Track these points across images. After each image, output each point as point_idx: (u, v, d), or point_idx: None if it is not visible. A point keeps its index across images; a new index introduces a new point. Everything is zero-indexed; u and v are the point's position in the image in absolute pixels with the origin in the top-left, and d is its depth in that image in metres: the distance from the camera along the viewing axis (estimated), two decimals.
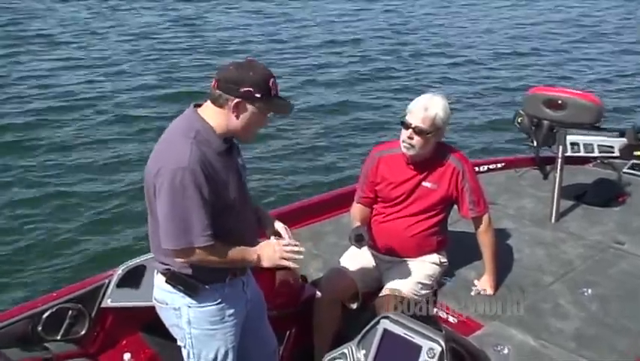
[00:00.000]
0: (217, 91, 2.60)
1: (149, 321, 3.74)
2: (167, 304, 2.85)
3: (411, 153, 3.54)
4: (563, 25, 16.49)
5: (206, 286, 2.76)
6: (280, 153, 8.64)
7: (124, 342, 3.71)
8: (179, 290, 2.76)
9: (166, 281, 2.78)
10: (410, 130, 3.48)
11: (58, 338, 3.46)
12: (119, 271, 3.58)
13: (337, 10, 17.05)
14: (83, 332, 3.53)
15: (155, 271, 2.90)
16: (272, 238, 2.91)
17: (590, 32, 15.89)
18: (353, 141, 9.15)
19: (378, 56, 13.19)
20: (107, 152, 8.43)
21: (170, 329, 2.96)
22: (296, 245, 2.84)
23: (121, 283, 3.56)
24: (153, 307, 3.50)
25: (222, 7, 16.82)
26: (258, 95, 2.58)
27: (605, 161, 5.59)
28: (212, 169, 2.59)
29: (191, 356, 2.89)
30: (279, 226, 3.01)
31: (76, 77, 11.09)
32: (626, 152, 5.59)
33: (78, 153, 8.37)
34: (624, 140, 5.61)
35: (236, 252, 2.73)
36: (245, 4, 17.18)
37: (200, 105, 2.71)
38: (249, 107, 2.60)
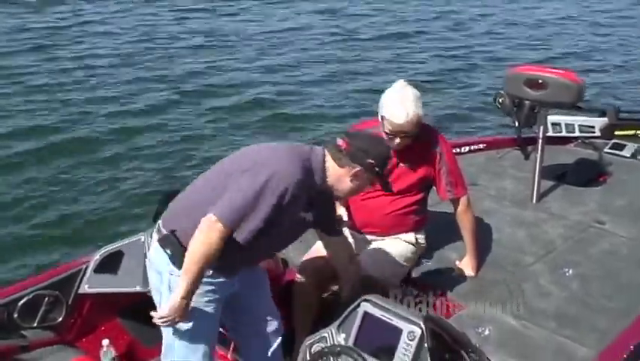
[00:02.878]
0: (344, 153, 2.76)
1: (127, 307, 3.73)
2: (153, 265, 2.85)
3: (396, 148, 3.48)
4: (542, 3, 16.43)
5: None
6: (257, 132, 8.59)
7: (102, 328, 3.68)
8: (166, 253, 2.73)
9: (158, 240, 2.77)
10: (396, 138, 3.44)
11: (35, 325, 3.43)
12: (97, 256, 3.54)
13: None
14: (59, 319, 3.50)
15: (156, 227, 2.87)
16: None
17: (570, 10, 15.84)
18: (330, 120, 9.10)
19: (359, 35, 13.09)
20: (83, 138, 8.28)
21: (152, 292, 2.93)
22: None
23: (98, 269, 3.52)
24: (132, 293, 3.48)
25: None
26: (377, 170, 2.81)
27: (587, 141, 5.62)
28: (299, 198, 2.67)
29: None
30: None
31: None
32: (607, 132, 5.63)
33: (53, 137, 8.22)
34: (605, 120, 5.66)
35: (197, 270, 2.64)
36: None
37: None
38: (365, 176, 2.80)
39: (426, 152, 3.59)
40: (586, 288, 3.64)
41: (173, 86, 10.13)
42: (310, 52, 12.02)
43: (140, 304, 3.61)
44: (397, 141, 3.46)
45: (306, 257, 3.68)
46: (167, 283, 2.77)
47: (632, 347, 2.99)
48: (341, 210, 3.55)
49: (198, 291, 2.73)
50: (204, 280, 2.72)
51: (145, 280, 3.43)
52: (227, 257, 2.67)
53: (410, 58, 11.93)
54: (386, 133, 3.47)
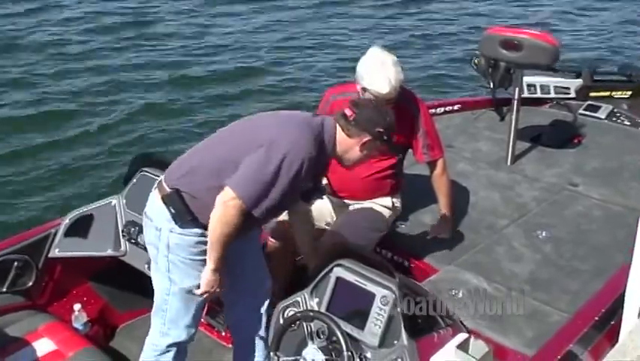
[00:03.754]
0: (353, 122, 2.78)
1: (99, 271, 3.69)
2: (152, 220, 2.81)
3: None
4: None
5: (194, 220, 2.71)
6: (231, 98, 8.48)
7: (73, 292, 3.66)
8: (168, 212, 2.71)
9: (161, 197, 2.74)
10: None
11: (4, 289, 3.40)
12: (67, 220, 3.50)
13: None
14: (29, 284, 3.46)
15: (156, 185, 2.84)
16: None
17: None
18: (306, 82, 9.00)
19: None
20: (54, 103, 8.10)
21: (148, 247, 2.91)
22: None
23: (69, 233, 3.48)
24: (103, 257, 3.45)
25: None
26: (385, 138, 2.84)
27: (562, 102, 5.61)
28: (307, 172, 2.66)
29: (166, 279, 2.82)
30: None
31: None
32: (582, 93, 5.62)
33: (24, 100, 8.07)
34: (580, 81, 5.65)
35: (222, 245, 2.67)
36: None
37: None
38: (373, 145, 2.84)
39: (403, 114, 3.53)
40: (558, 251, 3.66)
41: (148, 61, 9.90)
42: (279, 21, 11.77)
43: (112, 268, 3.59)
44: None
45: (277, 221, 3.65)
46: (165, 240, 2.75)
47: (602, 310, 3.01)
48: None
49: (195, 250, 2.74)
50: (202, 239, 2.72)
51: (117, 244, 3.40)
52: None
53: (385, 22, 11.72)
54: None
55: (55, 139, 7.12)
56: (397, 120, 3.49)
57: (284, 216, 3.42)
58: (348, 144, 2.82)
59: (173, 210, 2.71)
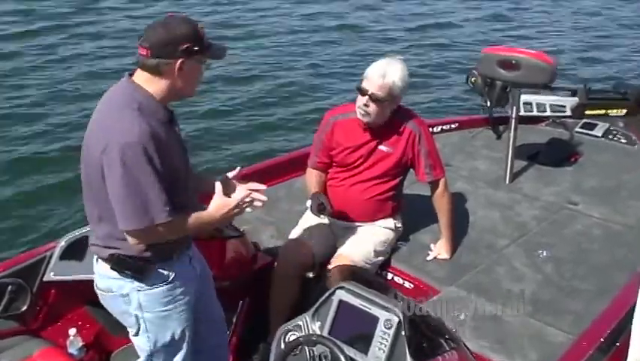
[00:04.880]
0: (152, 60, 2.44)
1: (95, 294, 3.62)
2: (112, 291, 2.69)
3: (366, 119, 3.45)
4: None
5: (155, 267, 2.62)
6: (228, 117, 8.36)
7: (68, 317, 3.58)
8: (127, 275, 2.60)
9: (111, 268, 2.62)
10: (366, 97, 3.38)
11: None
12: (62, 243, 3.43)
13: None
14: (24, 308, 3.38)
15: (95, 258, 2.72)
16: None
17: None
18: (305, 103, 8.89)
19: (330, 18, 12.79)
20: (46, 121, 7.99)
21: (119, 318, 2.81)
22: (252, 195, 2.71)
23: (64, 256, 3.41)
24: None
25: None
26: (197, 48, 2.47)
27: (558, 120, 5.61)
28: (161, 141, 2.44)
29: (146, 341, 2.74)
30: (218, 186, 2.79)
31: None
32: (578, 111, 5.62)
33: (14, 123, 7.93)
34: (576, 99, 5.65)
35: (193, 221, 2.58)
36: None
37: (132, 74, 2.54)
38: (192, 62, 2.49)
39: (404, 134, 3.54)
40: (560, 270, 3.63)
41: None
42: (286, 37, 11.75)
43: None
44: (370, 108, 3.41)
45: (283, 245, 3.62)
46: (136, 302, 2.66)
47: (607, 331, 2.98)
48: (322, 198, 3.49)
49: (166, 299, 2.66)
50: (170, 286, 2.65)
51: None
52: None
53: (380, 38, 11.76)
54: (359, 94, 3.43)
55: (51, 160, 7.03)
56: (398, 139, 3.53)
57: (293, 237, 3.39)
58: (168, 83, 2.48)
59: (129, 272, 2.60)
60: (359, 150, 3.58)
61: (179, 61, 2.45)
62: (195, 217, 2.60)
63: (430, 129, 4.92)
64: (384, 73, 3.38)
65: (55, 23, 11.31)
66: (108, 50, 10.25)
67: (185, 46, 2.44)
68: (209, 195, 2.71)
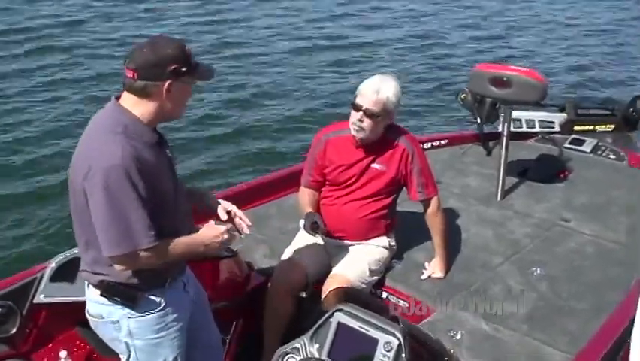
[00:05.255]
0: (140, 82, 2.40)
1: (86, 317, 3.56)
2: (103, 318, 2.64)
3: (360, 135, 3.44)
4: (505, 5, 16.44)
5: (146, 294, 2.57)
6: (219, 134, 8.32)
7: (59, 339, 3.51)
8: (116, 302, 2.56)
9: (101, 294, 2.57)
10: (360, 112, 3.38)
11: None
12: (52, 264, 3.38)
13: None
14: (13, 331, 3.32)
15: (86, 283, 2.68)
16: (212, 221, 2.72)
17: (533, 13, 15.83)
18: (296, 120, 8.87)
19: (321, 36, 12.78)
20: (38, 143, 7.89)
21: (110, 344, 2.76)
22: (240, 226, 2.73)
23: (54, 278, 3.36)
24: None
25: None
26: (184, 70, 2.43)
27: (547, 136, 5.64)
28: (146, 164, 2.40)
29: None
30: (225, 205, 2.83)
31: None
32: (567, 127, 5.67)
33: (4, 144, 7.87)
34: (564, 115, 5.70)
35: (180, 247, 2.54)
36: None
37: (119, 97, 2.50)
38: (179, 84, 2.45)
39: (397, 151, 3.54)
40: (554, 289, 3.62)
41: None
42: (278, 53, 11.72)
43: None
44: (364, 124, 3.40)
45: (277, 266, 3.59)
46: (126, 329, 2.62)
47: (604, 351, 2.97)
48: (316, 217, 3.47)
49: (158, 326, 2.62)
50: (161, 313, 2.61)
51: None
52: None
53: (370, 56, 11.77)
54: (353, 109, 3.42)
55: (40, 182, 6.93)
56: (391, 157, 3.52)
57: (287, 257, 3.36)
58: (156, 105, 2.44)
59: (119, 299, 2.56)
60: (352, 169, 3.57)
61: (167, 83, 2.41)
62: (184, 244, 2.56)
63: (421, 146, 4.96)
64: (378, 89, 3.38)
65: (42, 44, 11.23)
66: (95, 73, 10.15)
67: (173, 67, 2.40)
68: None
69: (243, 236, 2.82)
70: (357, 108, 3.39)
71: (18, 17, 12.43)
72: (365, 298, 2.87)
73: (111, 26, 12.41)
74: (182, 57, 2.42)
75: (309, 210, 3.58)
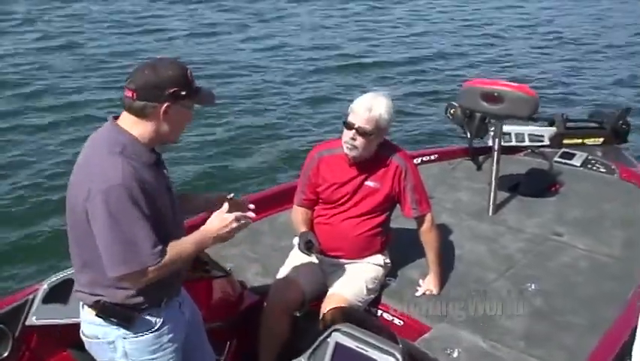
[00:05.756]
0: (139, 102, 2.40)
1: (78, 338, 3.52)
2: (98, 338, 2.61)
3: (353, 153, 3.43)
4: (490, 20, 16.57)
5: (142, 314, 2.55)
6: (211, 151, 8.31)
7: None
8: (112, 322, 2.53)
9: (97, 315, 2.55)
10: (353, 131, 3.37)
11: None
12: (45, 286, 3.33)
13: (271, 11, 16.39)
14: (5, 354, 3.27)
15: (81, 304, 2.66)
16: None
17: (517, 26, 15.96)
18: (288, 137, 8.87)
19: (315, 54, 12.81)
20: (33, 163, 7.83)
21: None
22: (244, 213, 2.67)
23: (47, 300, 3.32)
24: None
25: None
26: (184, 93, 2.43)
27: (536, 150, 5.65)
28: (145, 183, 2.39)
29: None
30: (221, 195, 2.81)
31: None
32: (556, 140, 5.69)
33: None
34: (554, 129, 5.73)
35: (188, 247, 2.53)
36: None
37: (118, 117, 2.50)
38: (178, 107, 2.44)
39: (390, 168, 3.53)
40: (550, 304, 3.62)
41: None
42: (273, 71, 11.74)
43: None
44: (357, 142, 3.39)
45: (273, 285, 3.56)
46: (122, 350, 2.59)
47: None
48: (310, 236, 3.45)
49: (154, 347, 2.60)
50: (156, 333, 2.58)
51: None
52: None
53: (363, 72, 11.80)
54: (346, 128, 3.41)
55: (34, 203, 6.87)
56: (384, 174, 3.52)
57: (282, 276, 3.34)
58: (153, 126, 2.43)
59: (115, 319, 2.54)
60: (345, 187, 3.56)
61: (165, 105, 2.40)
62: (191, 240, 2.55)
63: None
64: (371, 106, 3.37)
65: (39, 63, 11.25)
66: (94, 93, 10.15)
67: (172, 90, 2.40)
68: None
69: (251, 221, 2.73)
70: (350, 127, 3.38)
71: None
72: (362, 317, 2.85)
73: (109, 49, 12.41)
74: (182, 80, 2.43)
75: (303, 229, 3.57)
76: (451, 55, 13.13)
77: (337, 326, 2.70)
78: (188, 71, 2.47)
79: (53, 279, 3.34)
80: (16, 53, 11.83)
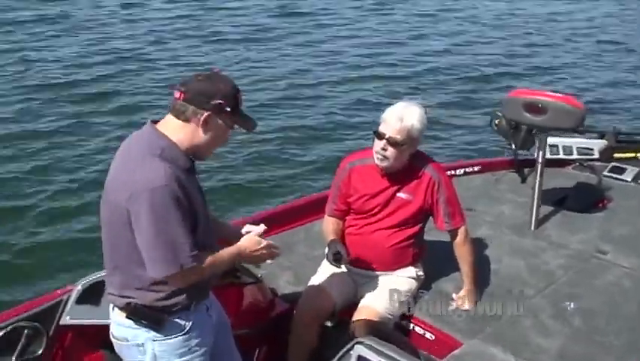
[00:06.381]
0: (184, 103, 2.45)
1: (110, 339, 3.58)
2: (128, 340, 2.66)
3: (384, 164, 3.39)
4: (541, 27, 16.23)
5: (171, 317, 2.59)
6: (246, 160, 8.37)
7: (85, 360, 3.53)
8: (142, 325, 2.57)
9: (127, 317, 2.59)
10: (384, 141, 3.33)
11: (14, 358, 3.28)
12: (79, 286, 3.40)
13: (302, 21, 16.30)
14: (39, 352, 3.35)
15: (111, 306, 2.71)
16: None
17: (568, 34, 15.60)
18: (322, 147, 8.85)
19: (349, 63, 12.72)
20: (67, 160, 8.06)
21: None
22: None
23: (81, 300, 3.39)
24: None
25: None
26: (228, 109, 2.47)
27: (585, 164, 5.50)
28: (184, 186, 2.44)
29: None
30: (250, 227, 2.87)
31: None
32: (606, 154, 5.53)
33: (34, 161, 8.02)
34: (604, 142, 5.56)
35: (222, 259, 2.62)
36: None
37: (156, 121, 2.55)
38: (218, 121, 2.48)
39: (423, 180, 3.48)
40: (589, 324, 3.50)
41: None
42: (307, 79, 11.72)
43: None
44: (388, 152, 3.35)
45: (304, 293, 3.55)
46: (151, 352, 2.63)
47: None
48: (339, 246, 3.43)
49: (182, 350, 2.62)
50: (186, 336, 2.61)
51: None
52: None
53: (401, 80, 11.71)
54: (377, 138, 3.38)
55: (68, 206, 7.03)
56: (417, 186, 3.46)
57: (313, 284, 3.32)
58: (189, 133, 2.47)
59: (145, 322, 2.57)
60: (377, 197, 3.52)
61: (207, 113, 2.45)
62: (225, 254, 2.63)
63: (452, 172, 4.90)
64: (402, 116, 3.33)
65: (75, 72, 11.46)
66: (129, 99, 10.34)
67: (219, 102, 2.44)
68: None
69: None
70: (381, 137, 3.35)
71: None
72: (389, 331, 2.82)
73: (157, 61, 12.54)
74: (231, 97, 2.47)
75: (333, 239, 3.54)
76: (500, 64, 12.88)
77: (361, 339, 2.68)
78: (240, 92, 2.53)
79: (87, 280, 3.40)
80: (68, 57, 12.15)
